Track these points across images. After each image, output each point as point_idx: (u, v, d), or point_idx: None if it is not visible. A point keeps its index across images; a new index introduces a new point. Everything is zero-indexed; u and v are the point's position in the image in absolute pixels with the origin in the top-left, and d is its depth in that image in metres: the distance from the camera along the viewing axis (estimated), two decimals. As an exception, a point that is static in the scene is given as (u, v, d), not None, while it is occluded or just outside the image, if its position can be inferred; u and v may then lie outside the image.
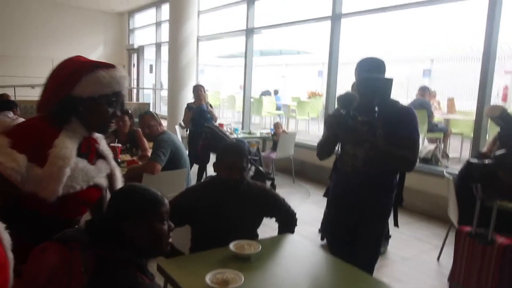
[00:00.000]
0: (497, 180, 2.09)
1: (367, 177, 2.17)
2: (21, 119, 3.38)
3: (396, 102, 2.18)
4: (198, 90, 5.48)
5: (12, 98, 5.98)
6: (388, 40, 13.33)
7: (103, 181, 1.59)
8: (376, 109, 2.06)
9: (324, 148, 2.30)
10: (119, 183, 1.68)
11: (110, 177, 1.66)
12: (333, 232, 2.44)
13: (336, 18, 6.09)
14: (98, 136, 1.62)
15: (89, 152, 1.55)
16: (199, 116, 5.44)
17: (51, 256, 1.16)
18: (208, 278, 1.51)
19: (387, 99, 2.01)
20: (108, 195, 1.58)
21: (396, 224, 2.39)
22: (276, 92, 13.65)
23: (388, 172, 2.22)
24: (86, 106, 1.45)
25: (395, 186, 2.27)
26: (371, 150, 2.10)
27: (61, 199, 1.40)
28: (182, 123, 5.92)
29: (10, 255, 0.84)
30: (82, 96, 1.43)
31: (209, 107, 5.59)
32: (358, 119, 1.99)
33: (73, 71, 1.44)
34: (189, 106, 5.57)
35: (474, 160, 2.03)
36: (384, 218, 2.28)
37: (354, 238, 2.31)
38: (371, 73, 2.09)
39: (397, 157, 2.10)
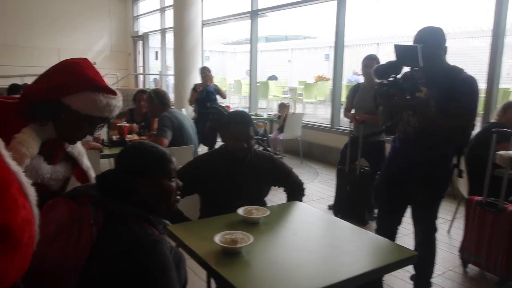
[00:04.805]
0: None
1: (416, 145, 2.18)
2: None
3: (459, 71, 2.11)
4: (203, 72, 5.53)
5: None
6: (394, 20, 13.14)
7: (53, 183, 1.49)
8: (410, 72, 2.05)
9: (381, 116, 2.39)
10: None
11: (83, 178, 1.61)
12: (382, 195, 2.44)
13: (342, -4, 6.00)
14: None
15: (51, 154, 1.47)
16: (204, 97, 5.47)
17: (61, 211, 1.17)
18: (217, 238, 1.52)
19: (417, 65, 1.98)
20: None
21: (438, 195, 2.26)
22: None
23: (440, 143, 2.16)
24: (69, 116, 1.39)
25: (448, 158, 2.22)
26: (423, 118, 2.09)
27: None
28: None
29: (36, 211, 0.84)
30: (71, 107, 1.37)
31: (217, 87, 5.67)
32: (399, 87, 2.02)
33: (75, 81, 1.37)
34: (194, 87, 5.60)
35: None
36: (432, 189, 2.22)
37: (402, 205, 2.37)
38: (417, 42, 2.06)
39: (444, 127, 2.06)
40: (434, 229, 2.31)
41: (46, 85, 1.38)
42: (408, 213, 2.42)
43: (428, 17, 12.46)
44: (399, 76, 2.09)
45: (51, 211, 1.17)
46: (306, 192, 2.36)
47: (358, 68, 9.69)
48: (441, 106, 2.06)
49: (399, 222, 2.44)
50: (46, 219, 1.16)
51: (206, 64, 8.89)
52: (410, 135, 2.21)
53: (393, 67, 2.07)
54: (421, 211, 2.29)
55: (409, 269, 2.65)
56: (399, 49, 2.01)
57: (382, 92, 2.08)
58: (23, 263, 0.79)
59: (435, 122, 2.07)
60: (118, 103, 1.46)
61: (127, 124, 3.69)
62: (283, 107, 6.41)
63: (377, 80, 2.17)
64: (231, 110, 4.85)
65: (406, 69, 2.15)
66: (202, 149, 5.31)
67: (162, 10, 11.20)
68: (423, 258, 2.27)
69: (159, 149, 1.29)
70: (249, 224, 1.77)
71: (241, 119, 2.09)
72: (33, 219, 0.82)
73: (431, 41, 2.07)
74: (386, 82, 2.08)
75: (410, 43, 2.13)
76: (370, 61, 3.82)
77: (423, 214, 2.29)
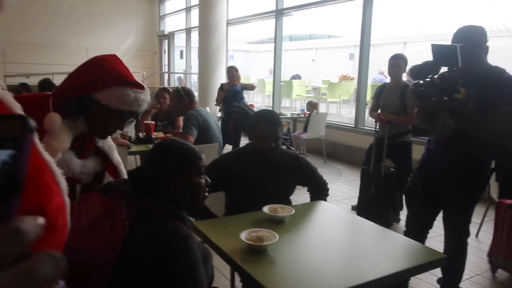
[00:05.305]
0: None
1: (451, 147, 2.13)
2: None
3: (501, 72, 2.04)
4: (230, 71, 5.57)
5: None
6: (422, 19, 12.87)
7: (83, 177, 1.54)
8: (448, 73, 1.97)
9: (417, 117, 2.34)
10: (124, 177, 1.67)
11: (115, 173, 1.66)
12: (415, 197, 2.40)
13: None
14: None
15: (81, 149, 1.52)
16: (231, 96, 5.52)
17: (95, 204, 1.20)
18: (243, 235, 1.54)
19: (455, 65, 1.91)
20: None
21: (473, 199, 2.19)
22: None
23: (477, 145, 2.09)
24: (99, 111, 1.44)
25: (486, 162, 2.17)
26: (460, 120, 2.03)
27: None
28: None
29: (67, 199, 0.88)
30: (101, 102, 1.42)
31: (243, 84, 5.75)
32: (437, 87, 1.97)
33: (104, 77, 1.42)
34: (221, 86, 5.65)
35: None
36: (467, 192, 2.16)
37: (435, 208, 2.33)
38: (456, 41, 2.00)
39: (484, 129, 2.00)
40: (466, 233, 2.24)
41: (77, 82, 1.44)
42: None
43: (456, 16, 12.15)
44: (435, 76, 2.04)
45: (85, 204, 1.22)
46: (330, 192, 2.35)
47: (384, 68, 9.54)
48: (481, 107, 2.00)
49: (430, 225, 2.39)
50: (81, 212, 1.21)
51: (230, 63, 8.96)
52: (446, 137, 2.13)
53: (430, 67, 2.01)
54: (455, 214, 2.22)
55: (435, 272, 2.60)
56: (436, 48, 1.95)
57: (418, 93, 2.03)
58: (55, 249, 0.83)
59: (474, 124, 2.01)
60: (146, 98, 1.50)
61: (153, 122, 3.76)
62: (311, 105, 6.36)
63: (405, 80, 2.12)
64: (258, 109, 4.88)
65: (443, 69, 2.10)
66: (227, 148, 5.35)
67: (188, 9, 11.33)
68: (452, 262, 2.22)
69: (189, 146, 1.31)
70: (274, 222, 1.78)
71: (269, 119, 2.09)
72: (65, 207, 0.86)
73: (470, 40, 2.00)
74: (422, 82, 2.03)
75: (439, 42, 2.07)
76: (396, 61, 3.75)
77: (456, 217, 2.23)
